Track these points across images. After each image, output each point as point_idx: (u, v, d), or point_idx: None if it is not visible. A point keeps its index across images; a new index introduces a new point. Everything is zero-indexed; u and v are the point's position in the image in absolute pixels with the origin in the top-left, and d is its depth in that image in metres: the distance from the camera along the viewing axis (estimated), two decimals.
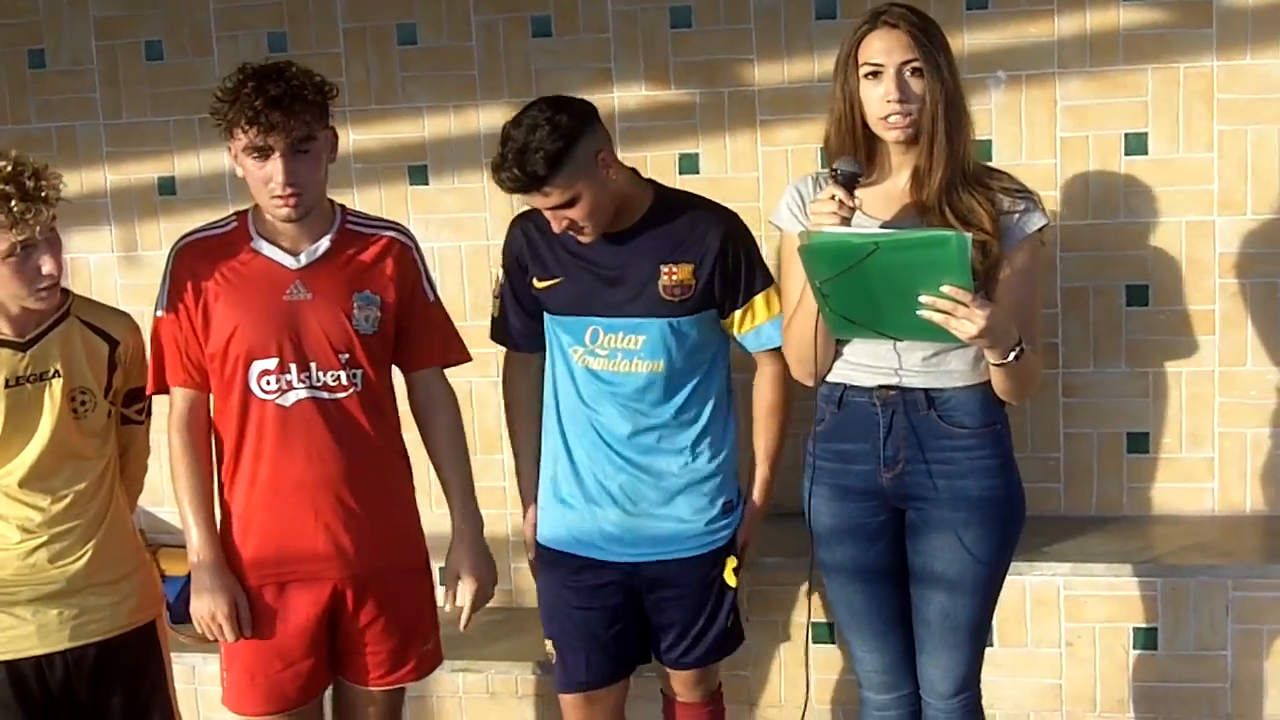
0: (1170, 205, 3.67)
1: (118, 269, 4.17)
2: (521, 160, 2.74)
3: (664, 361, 2.96)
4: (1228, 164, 3.62)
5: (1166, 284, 3.70)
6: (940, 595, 2.81)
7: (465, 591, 3.01)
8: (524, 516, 3.21)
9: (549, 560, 3.14)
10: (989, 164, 2.83)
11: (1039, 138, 3.68)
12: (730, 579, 3.09)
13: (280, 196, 2.76)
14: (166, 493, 4.12)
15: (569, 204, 2.79)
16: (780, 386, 3.05)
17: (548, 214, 2.83)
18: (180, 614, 3.93)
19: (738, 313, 2.99)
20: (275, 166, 2.73)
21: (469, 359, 3.08)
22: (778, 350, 2.97)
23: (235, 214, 2.93)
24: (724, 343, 3.07)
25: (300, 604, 2.92)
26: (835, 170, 2.61)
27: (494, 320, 3.17)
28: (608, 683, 3.14)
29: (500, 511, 3.71)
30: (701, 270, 2.92)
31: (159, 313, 2.90)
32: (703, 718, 3.24)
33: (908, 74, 2.62)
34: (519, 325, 3.11)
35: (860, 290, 2.54)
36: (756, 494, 3.12)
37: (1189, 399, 3.73)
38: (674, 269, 2.91)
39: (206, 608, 2.88)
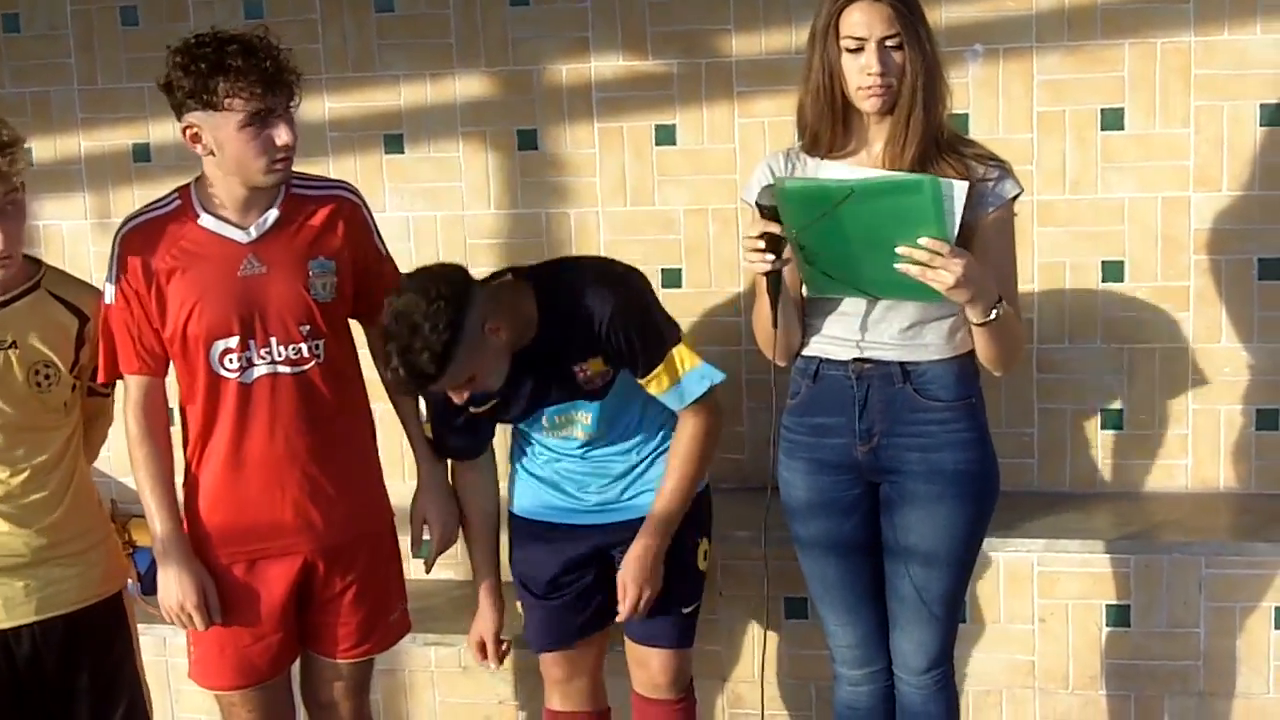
0: (1146, 181, 3.66)
1: (90, 236, 4.13)
2: (408, 363, 2.65)
3: (609, 424, 3.02)
4: (1204, 140, 3.62)
5: (1142, 260, 3.69)
6: (914, 570, 2.81)
7: (433, 534, 3.03)
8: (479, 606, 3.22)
9: (522, 528, 3.17)
10: (961, 135, 2.82)
11: (1016, 112, 3.67)
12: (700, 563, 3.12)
13: (283, 159, 2.71)
14: None
15: (467, 383, 2.77)
16: (700, 439, 2.99)
17: (448, 391, 2.79)
18: (152, 585, 3.94)
19: (651, 380, 2.94)
20: (279, 128, 2.68)
21: None
22: (699, 402, 2.96)
23: (176, 191, 2.84)
24: None
25: (270, 578, 2.90)
26: (759, 206, 2.61)
27: (432, 443, 3.10)
28: (585, 635, 3.16)
29: None
30: (610, 358, 2.91)
31: (108, 301, 2.80)
32: (671, 714, 3.22)
33: (890, 47, 2.60)
34: (460, 443, 3.08)
35: (838, 241, 2.52)
36: (649, 533, 3.00)
37: (1163, 376, 3.73)
38: (584, 366, 2.90)
39: (174, 597, 2.85)
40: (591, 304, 2.86)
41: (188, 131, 2.71)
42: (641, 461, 3.08)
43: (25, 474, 2.73)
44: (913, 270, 2.49)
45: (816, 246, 2.56)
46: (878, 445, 2.77)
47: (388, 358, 2.68)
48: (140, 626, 3.03)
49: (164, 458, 2.88)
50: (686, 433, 2.99)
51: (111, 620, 2.88)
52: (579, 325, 2.86)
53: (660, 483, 3.02)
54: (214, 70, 2.63)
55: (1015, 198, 2.72)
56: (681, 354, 2.94)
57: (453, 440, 3.07)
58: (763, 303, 2.73)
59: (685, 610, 3.14)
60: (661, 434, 3.08)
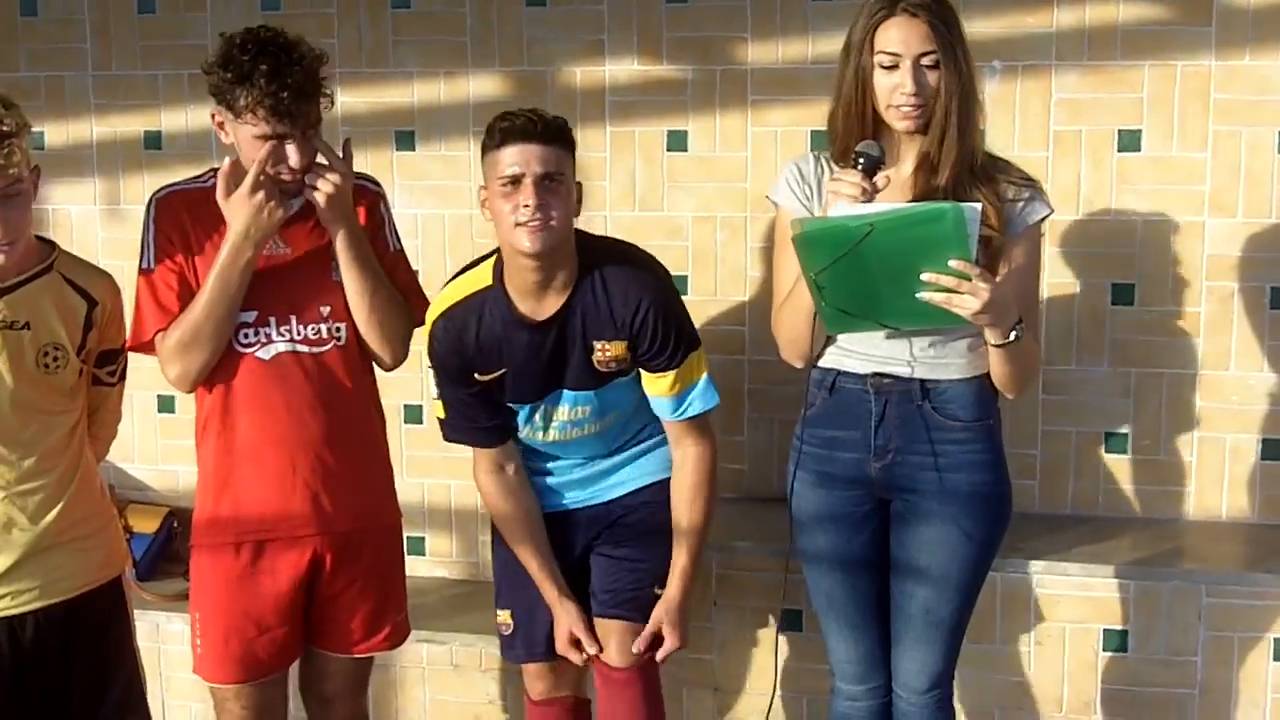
0: (1161, 204, 3.63)
1: (100, 221, 4.14)
2: (541, 114, 2.73)
3: (612, 416, 2.96)
4: (1221, 165, 3.59)
5: (1153, 284, 3.67)
6: (923, 589, 2.79)
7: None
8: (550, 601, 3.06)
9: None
10: (994, 155, 2.79)
11: (1032, 129, 3.65)
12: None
13: (291, 176, 2.73)
14: (137, 449, 4.19)
15: (557, 176, 2.72)
16: (707, 465, 2.95)
17: (526, 184, 2.70)
18: (147, 571, 3.94)
19: (664, 378, 2.90)
20: (290, 150, 2.70)
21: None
22: (700, 424, 2.94)
23: (211, 170, 2.87)
24: None
25: (279, 570, 2.89)
26: (858, 155, 2.57)
27: (445, 423, 2.99)
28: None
29: (470, 483, 3.66)
30: (635, 344, 2.86)
31: (146, 267, 2.84)
32: (632, 684, 3.06)
33: (925, 65, 2.58)
34: (480, 419, 2.95)
35: (857, 278, 2.50)
36: (674, 584, 2.98)
37: (1169, 401, 3.70)
38: (607, 346, 2.85)
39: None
40: (635, 283, 2.85)
41: (214, 118, 2.77)
42: (627, 442, 3.04)
43: (34, 458, 2.72)
44: (937, 298, 2.47)
45: (836, 284, 2.53)
46: (892, 462, 2.75)
47: (517, 111, 2.75)
48: (135, 613, 3.01)
49: None
50: (695, 467, 2.95)
51: (111, 604, 2.88)
52: (616, 298, 2.83)
53: (677, 521, 2.98)
54: (238, 81, 2.66)
55: (1045, 218, 2.70)
56: (700, 360, 2.92)
57: (473, 418, 2.96)
58: (799, 294, 2.68)
59: (659, 590, 3.04)
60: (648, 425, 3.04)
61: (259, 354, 2.83)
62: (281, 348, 2.83)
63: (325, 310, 2.85)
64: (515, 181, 2.69)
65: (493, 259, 2.89)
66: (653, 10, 3.75)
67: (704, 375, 2.91)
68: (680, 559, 2.98)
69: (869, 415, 2.75)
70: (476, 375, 2.88)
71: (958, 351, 2.72)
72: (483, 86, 3.90)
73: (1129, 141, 3.63)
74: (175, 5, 4.01)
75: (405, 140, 3.96)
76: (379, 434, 3.02)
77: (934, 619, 2.80)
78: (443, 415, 2.98)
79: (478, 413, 2.95)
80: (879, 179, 2.55)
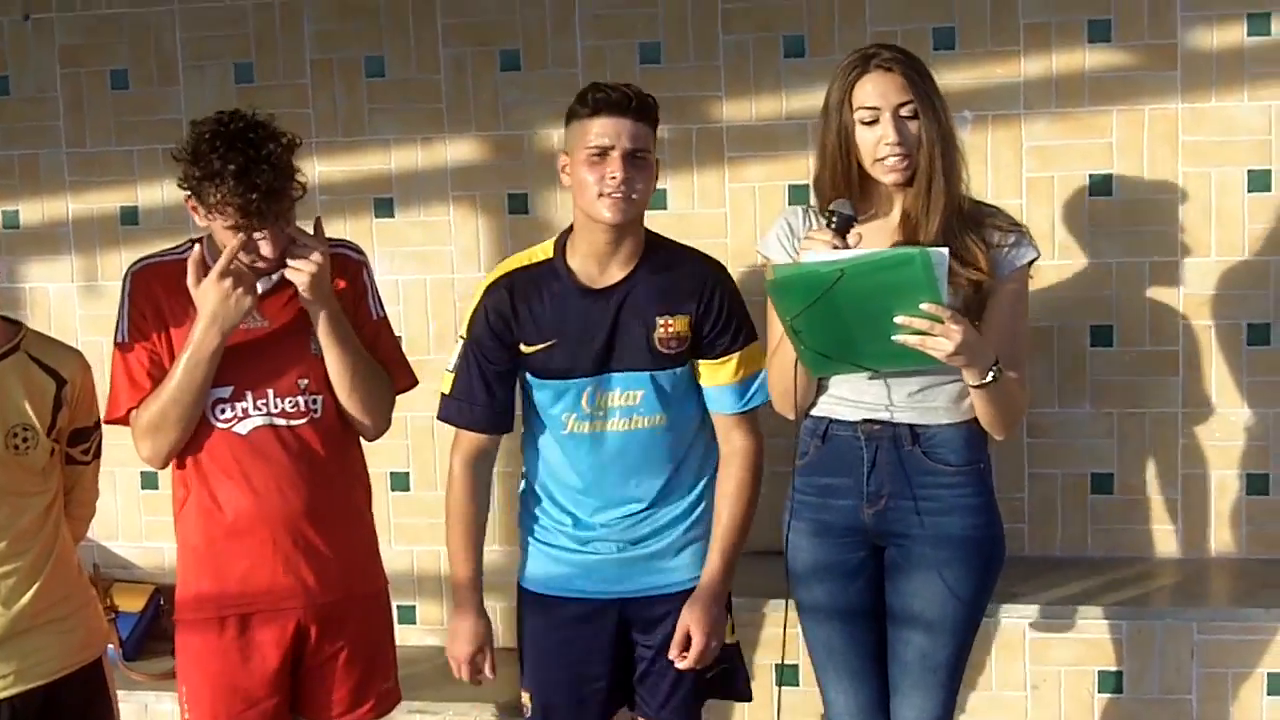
0: (1135, 246, 3.68)
1: (77, 299, 4.12)
2: (635, 89, 2.75)
3: (664, 415, 2.86)
4: (1192, 206, 3.64)
5: (1131, 325, 3.71)
6: (918, 636, 2.78)
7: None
8: (459, 618, 2.97)
9: (533, 604, 3.00)
10: (979, 200, 2.82)
11: (1005, 178, 3.70)
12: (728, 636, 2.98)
13: (264, 265, 2.74)
14: (120, 527, 4.15)
15: (644, 152, 2.75)
16: (758, 460, 2.90)
17: (614, 156, 2.70)
18: (134, 651, 3.90)
19: (728, 363, 2.86)
20: (262, 242, 2.70)
21: (414, 383, 3.00)
22: (753, 418, 2.89)
23: (190, 240, 2.87)
24: None
25: (264, 642, 2.87)
26: (831, 213, 2.60)
27: (448, 397, 2.93)
28: None
29: None
30: (697, 322, 2.83)
31: (121, 340, 2.83)
32: None
33: (904, 116, 2.62)
34: (484, 399, 2.88)
35: (833, 321, 2.52)
36: (707, 580, 2.88)
37: (1153, 440, 3.73)
38: (670, 321, 2.82)
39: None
40: (704, 266, 2.86)
41: (187, 200, 2.75)
42: (669, 499, 2.92)
43: (6, 540, 2.68)
44: (911, 340, 2.49)
45: (812, 329, 2.55)
46: (885, 507, 2.76)
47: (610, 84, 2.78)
48: (120, 693, 2.98)
49: None
50: (745, 461, 2.88)
51: (91, 688, 2.83)
52: (681, 276, 2.83)
53: (716, 520, 2.89)
54: (206, 179, 2.65)
55: (1032, 263, 2.73)
56: (760, 350, 2.87)
57: (480, 395, 2.87)
58: (785, 345, 2.70)
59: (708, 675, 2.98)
60: (702, 484, 2.94)
61: (236, 429, 2.82)
62: (259, 422, 2.82)
63: (303, 383, 2.84)
64: (604, 153, 2.71)
65: (552, 240, 2.89)
66: (627, 71, 3.78)
67: (763, 368, 2.86)
68: (714, 557, 2.89)
69: (861, 462, 2.76)
70: (523, 346, 2.84)
71: (946, 396, 2.73)
72: (460, 151, 3.92)
73: (1100, 186, 3.68)
74: (149, 80, 4.03)
75: (384, 207, 3.97)
76: (361, 503, 3.00)
77: (930, 664, 2.80)
78: (447, 390, 2.93)
79: (485, 392, 2.88)
80: (850, 237, 2.58)
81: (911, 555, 2.77)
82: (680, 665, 2.88)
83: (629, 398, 2.85)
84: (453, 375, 2.92)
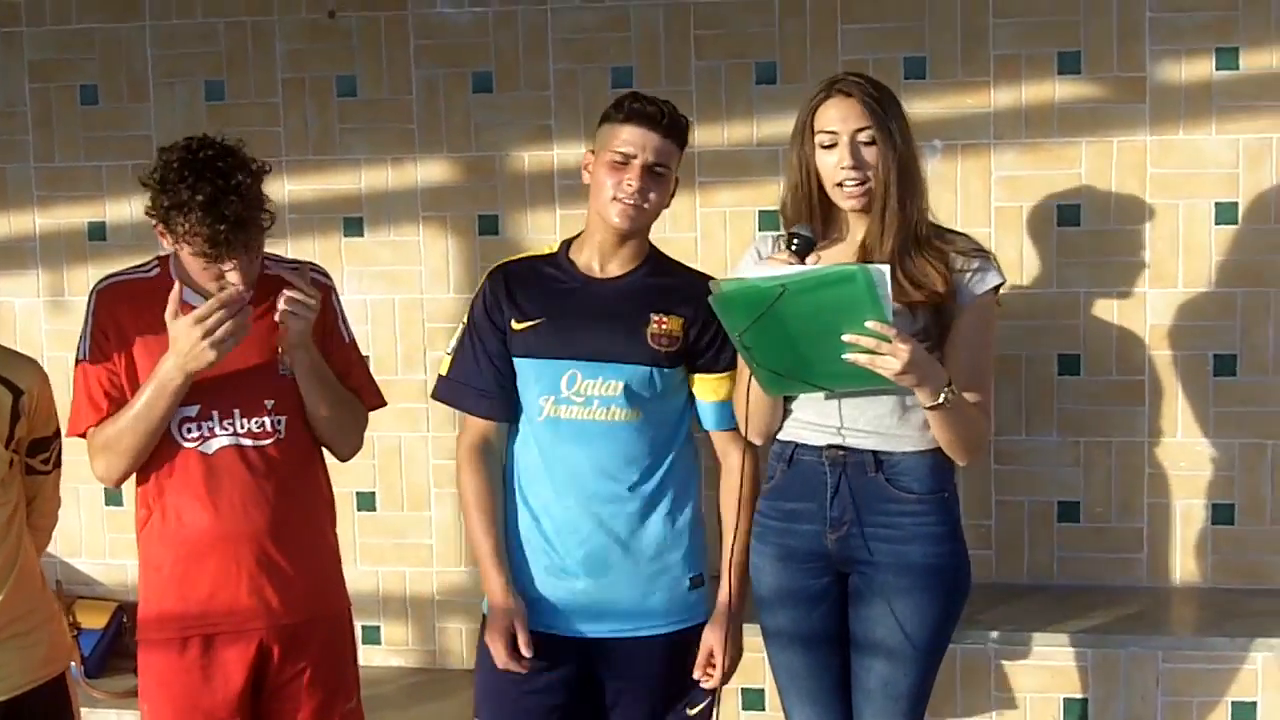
0: (1103, 276, 3.71)
1: (44, 314, 4.10)
2: (670, 106, 2.81)
3: (640, 410, 2.83)
4: (1159, 237, 3.67)
5: (1098, 354, 3.73)
6: (880, 663, 2.78)
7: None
8: (493, 589, 2.88)
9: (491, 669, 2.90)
10: (942, 226, 2.81)
11: (974, 207, 3.72)
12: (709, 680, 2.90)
13: (230, 292, 2.70)
14: (84, 543, 4.12)
15: (664, 167, 2.78)
16: (754, 478, 2.89)
17: (635, 165, 2.74)
18: (96, 668, 3.86)
19: (721, 378, 2.86)
20: (230, 271, 2.68)
21: (383, 404, 2.99)
22: (741, 436, 2.88)
23: (156, 258, 2.85)
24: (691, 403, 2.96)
25: (227, 660, 2.83)
26: (792, 236, 2.62)
27: (445, 378, 2.93)
28: None
29: (426, 569, 3.67)
30: (691, 326, 2.84)
31: (82, 358, 2.81)
32: None
33: (862, 141, 2.64)
34: (478, 381, 2.88)
35: (781, 339, 2.53)
36: (724, 596, 2.85)
37: (1119, 469, 3.75)
38: (665, 319, 2.83)
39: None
40: (700, 279, 2.84)
41: (156, 229, 2.72)
42: (663, 527, 2.87)
43: None
44: (861, 359, 2.50)
45: (762, 346, 2.56)
46: (847, 534, 2.76)
47: (645, 96, 2.83)
48: (83, 711, 2.96)
49: None
50: (750, 475, 2.86)
51: (54, 704, 2.79)
52: (681, 281, 2.87)
53: (729, 530, 2.89)
54: (174, 208, 2.63)
55: (997, 288, 2.74)
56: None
57: (476, 374, 2.87)
58: (743, 377, 2.71)
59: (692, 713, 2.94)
60: (680, 515, 2.88)
61: (202, 448, 2.79)
62: (225, 441, 2.80)
63: (269, 404, 2.81)
64: (626, 160, 2.76)
65: (559, 240, 2.95)
66: (599, 94, 3.78)
67: None
68: (727, 576, 2.86)
69: (824, 487, 2.76)
70: (513, 323, 2.86)
71: (912, 424, 2.73)
72: (430, 172, 3.92)
73: (1069, 215, 3.70)
74: (118, 96, 4.01)
75: (354, 226, 3.96)
76: (325, 523, 2.97)
77: (893, 693, 2.79)
78: (445, 372, 2.94)
79: (479, 375, 2.88)
80: (810, 259, 2.59)
81: (874, 583, 2.77)
82: (706, 685, 2.87)
83: (610, 387, 2.82)
84: (450, 357, 2.95)
